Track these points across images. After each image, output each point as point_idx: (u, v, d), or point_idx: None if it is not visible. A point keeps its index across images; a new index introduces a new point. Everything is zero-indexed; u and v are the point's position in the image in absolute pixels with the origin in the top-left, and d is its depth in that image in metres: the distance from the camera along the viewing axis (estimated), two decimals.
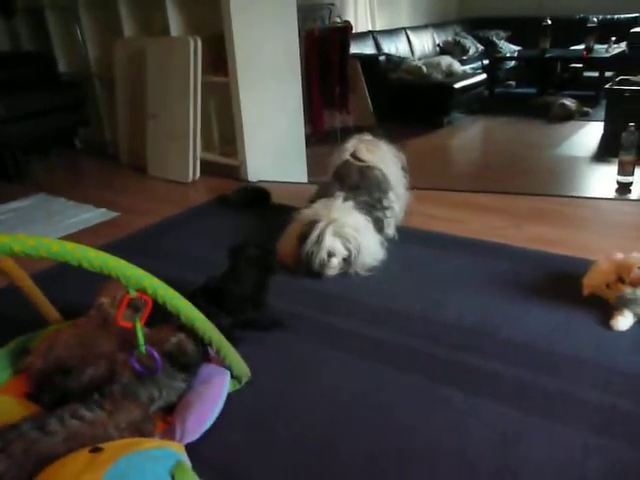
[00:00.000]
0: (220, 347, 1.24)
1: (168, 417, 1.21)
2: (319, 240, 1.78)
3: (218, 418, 1.19)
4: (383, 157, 2.13)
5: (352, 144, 2.14)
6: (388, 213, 2.02)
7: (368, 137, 2.19)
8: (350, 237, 1.81)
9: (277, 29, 2.89)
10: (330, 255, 1.79)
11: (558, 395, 1.22)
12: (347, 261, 1.82)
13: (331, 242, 1.79)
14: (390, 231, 2.03)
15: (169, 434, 1.15)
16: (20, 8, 3.69)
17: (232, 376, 1.29)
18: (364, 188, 1.99)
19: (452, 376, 1.31)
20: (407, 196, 2.17)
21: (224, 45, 2.72)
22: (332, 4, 4.13)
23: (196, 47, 2.77)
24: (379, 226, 1.97)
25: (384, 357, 1.40)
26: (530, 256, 1.87)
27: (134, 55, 3.14)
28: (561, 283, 1.68)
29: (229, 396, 1.25)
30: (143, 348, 1.14)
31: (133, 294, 1.09)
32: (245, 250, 1.55)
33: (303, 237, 1.83)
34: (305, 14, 3.46)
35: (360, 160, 2.08)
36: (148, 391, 1.16)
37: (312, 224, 1.82)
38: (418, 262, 1.89)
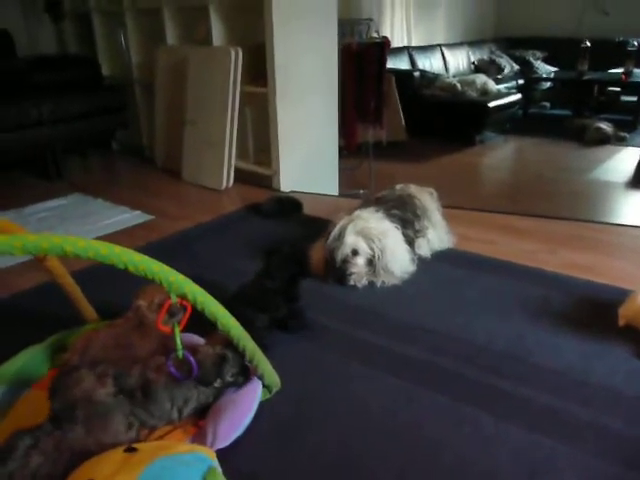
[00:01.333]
0: (253, 356, 1.25)
1: (200, 421, 1.22)
2: (340, 236, 1.81)
3: (248, 426, 1.21)
4: (422, 195, 2.18)
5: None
6: (420, 234, 2.03)
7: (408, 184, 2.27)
8: (374, 237, 1.82)
9: (317, 42, 2.93)
10: (354, 253, 1.80)
11: (590, 426, 1.20)
12: (372, 264, 1.82)
13: (353, 239, 1.80)
14: (421, 252, 2.03)
15: (200, 439, 1.16)
16: (68, 12, 3.82)
17: (263, 385, 1.30)
18: (400, 209, 2.02)
19: (482, 398, 1.30)
20: (446, 233, 2.17)
21: (264, 56, 2.77)
22: (371, 19, 4.17)
23: (237, 57, 2.82)
24: (409, 241, 1.98)
25: (413, 375, 1.39)
26: (563, 282, 1.85)
27: (175, 62, 3.21)
28: (595, 311, 1.66)
29: (259, 405, 1.26)
30: (181, 353, 1.16)
31: (174, 299, 1.11)
32: (279, 249, 1.60)
33: (327, 236, 1.86)
34: (343, 28, 3.50)
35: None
36: (183, 391, 1.18)
37: (336, 224, 1.87)
38: (449, 281, 1.88)
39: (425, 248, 2.05)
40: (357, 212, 1.93)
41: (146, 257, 1.06)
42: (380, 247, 1.82)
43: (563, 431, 1.19)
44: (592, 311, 1.67)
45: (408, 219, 2.01)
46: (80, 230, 2.47)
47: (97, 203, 2.86)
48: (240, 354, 1.23)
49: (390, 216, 1.95)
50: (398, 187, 2.20)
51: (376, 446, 1.17)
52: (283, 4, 2.66)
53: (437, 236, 2.10)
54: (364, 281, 1.86)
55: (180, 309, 1.20)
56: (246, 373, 1.26)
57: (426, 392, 1.33)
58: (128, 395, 1.15)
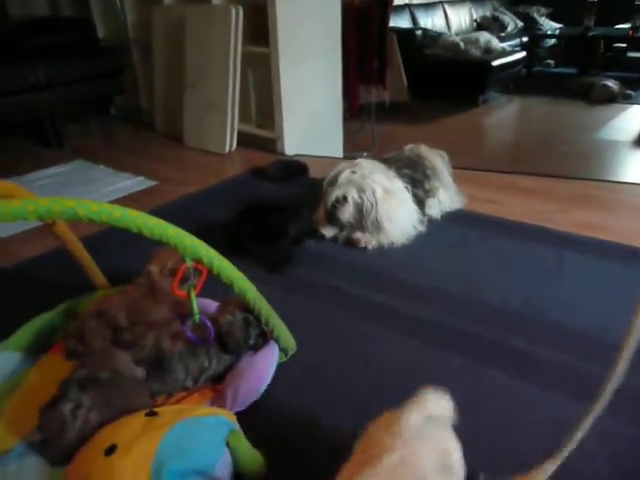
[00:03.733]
0: (269, 319, 1.24)
1: (217, 385, 1.22)
2: (333, 181, 1.84)
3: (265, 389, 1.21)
4: (430, 157, 2.14)
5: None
6: (430, 194, 2.01)
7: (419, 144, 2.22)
8: (367, 188, 1.81)
9: (320, 1, 2.83)
10: (344, 199, 1.82)
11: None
12: (362, 213, 1.83)
13: (345, 186, 1.82)
14: (432, 212, 2.02)
15: (219, 402, 1.16)
16: None
17: (279, 348, 1.30)
18: (410, 168, 1.99)
19: (498, 358, 1.30)
20: (456, 194, 2.15)
21: (265, 15, 2.68)
22: None
23: (237, 16, 2.73)
24: (418, 202, 1.96)
25: (428, 336, 1.39)
26: (576, 241, 1.83)
27: (173, 22, 3.11)
28: (609, 270, 1.65)
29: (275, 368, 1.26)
30: (197, 317, 1.15)
31: (189, 264, 1.09)
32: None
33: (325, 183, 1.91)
34: None
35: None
36: (199, 361, 1.17)
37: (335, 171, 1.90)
38: (460, 243, 1.87)
39: (436, 208, 2.03)
40: (359, 160, 1.93)
41: (161, 221, 1.03)
42: (371, 200, 1.81)
43: (583, 390, 1.19)
44: (606, 270, 1.65)
45: (418, 179, 1.98)
46: (84, 197, 2.42)
47: (99, 169, 2.82)
48: (257, 317, 1.22)
49: (401, 175, 1.93)
50: (407, 148, 2.17)
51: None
52: None
53: (448, 197, 2.07)
54: (364, 239, 1.86)
55: (194, 273, 1.19)
56: (265, 335, 1.25)
57: (442, 353, 1.33)
58: (143, 367, 1.14)
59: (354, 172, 1.85)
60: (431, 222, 1.99)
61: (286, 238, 1.80)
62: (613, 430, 1.08)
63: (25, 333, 1.37)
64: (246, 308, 1.22)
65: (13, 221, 0.93)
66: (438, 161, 2.13)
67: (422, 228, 1.94)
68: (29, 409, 1.08)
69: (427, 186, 2.01)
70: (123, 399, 1.06)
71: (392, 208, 1.84)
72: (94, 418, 1.01)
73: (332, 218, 1.86)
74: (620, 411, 1.10)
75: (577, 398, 1.16)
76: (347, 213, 1.84)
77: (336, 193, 1.83)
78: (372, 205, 1.81)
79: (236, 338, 1.21)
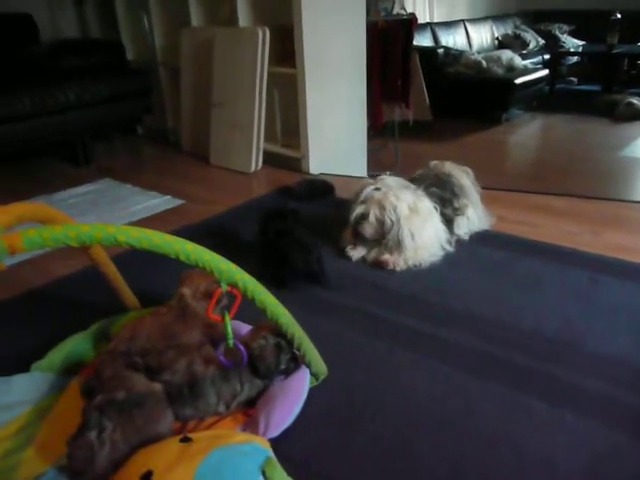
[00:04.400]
0: (301, 343, 1.24)
1: (249, 410, 1.22)
2: (356, 198, 1.88)
3: (297, 414, 1.20)
4: (458, 175, 2.13)
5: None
6: (459, 212, 1.99)
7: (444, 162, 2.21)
8: (387, 204, 1.82)
9: (346, 22, 2.86)
10: (364, 217, 1.85)
11: None
12: (384, 230, 1.84)
13: (367, 203, 1.84)
14: (460, 231, 2.00)
15: (252, 428, 1.15)
16: None
17: (310, 373, 1.29)
18: (438, 186, 1.99)
19: (534, 385, 1.27)
20: (484, 212, 2.13)
21: (291, 36, 2.71)
22: None
23: (264, 38, 2.77)
24: (447, 221, 1.95)
25: (461, 362, 1.37)
26: (610, 264, 1.79)
27: (201, 44, 3.17)
28: None
29: (307, 392, 1.25)
30: (231, 342, 1.15)
31: (224, 288, 1.10)
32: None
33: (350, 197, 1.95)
34: (368, 5, 3.40)
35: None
36: (231, 386, 1.17)
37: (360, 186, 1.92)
38: (491, 265, 1.84)
39: (465, 228, 2.01)
40: (383, 177, 1.95)
41: (198, 246, 1.04)
42: (392, 217, 1.82)
43: (622, 420, 1.16)
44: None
45: (446, 197, 1.97)
46: (111, 216, 2.47)
47: (126, 188, 2.86)
48: (289, 341, 1.22)
49: (429, 194, 1.92)
50: (432, 164, 2.17)
51: (429, 436, 1.15)
52: None
53: (476, 215, 2.05)
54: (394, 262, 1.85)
55: (228, 297, 1.19)
56: (296, 360, 1.25)
57: (476, 380, 1.30)
58: (175, 391, 1.14)
59: (377, 189, 1.87)
60: (459, 243, 1.97)
61: (284, 265, 1.74)
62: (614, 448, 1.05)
63: (57, 355, 1.38)
64: (278, 332, 1.22)
65: (55, 246, 0.94)
66: (464, 178, 2.12)
67: (450, 248, 1.92)
68: (60, 434, 1.08)
69: (456, 204, 1.99)
70: (144, 416, 1.06)
71: (416, 226, 1.83)
72: (120, 439, 1.01)
73: (356, 234, 1.90)
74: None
75: (616, 429, 1.13)
76: (369, 230, 1.86)
77: (358, 210, 1.86)
78: (392, 222, 1.82)
79: (267, 363, 1.21)
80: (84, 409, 1.06)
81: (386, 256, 1.85)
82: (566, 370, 1.31)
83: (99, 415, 1.01)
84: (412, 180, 2.05)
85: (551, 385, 1.27)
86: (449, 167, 2.14)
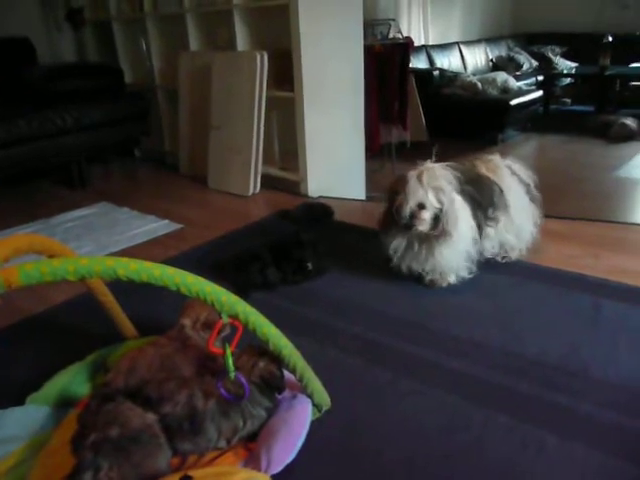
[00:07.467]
0: (303, 374, 1.21)
1: (250, 444, 1.18)
2: (407, 190, 1.66)
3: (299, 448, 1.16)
4: (503, 177, 1.91)
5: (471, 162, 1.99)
6: (490, 223, 1.83)
7: (490, 157, 2.00)
8: (445, 189, 1.66)
9: (343, 46, 2.89)
10: (421, 207, 1.67)
11: None
12: (438, 219, 1.68)
13: (421, 193, 1.65)
14: (487, 245, 1.87)
15: (253, 463, 1.12)
16: (88, 20, 3.81)
17: (313, 404, 1.26)
18: (476, 188, 1.80)
19: (541, 416, 1.24)
20: (532, 232, 1.96)
21: (289, 60, 2.73)
22: (392, 19, 4.12)
23: (263, 62, 2.78)
24: (476, 226, 1.79)
25: (466, 391, 1.34)
26: (613, 289, 1.78)
27: (199, 68, 3.18)
28: None
29: (309, 425, 1.22)
30: (233, 374, 1.12)
31: (226, 320, 1.07)
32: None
33: (391, 190, 1.73)
34: (365, 29, 3.44)
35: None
36: (233, 421, 1.14)
37: (402, 176, 1.71)
38: (493, 290, 1.82)
39: (492, 240, 1.87)
40: (426, 164, 1.73)
41: (199, 278, 1.02)
42: (450, 199, 1.67)
43: (636, 452, 1.13)
44: None
45: (480, 201, 1.79)
46: (109, 240, 2.45)
47: (123, 212, 2.84)
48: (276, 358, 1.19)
49: (464, 193, 1.74)
50: (480, 160, 1.96)
51: (438, 470, 1.12)
52: (309, 7, 2.62)
53: (515, 231, 1.88)
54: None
55: (231, 329, 1.17)
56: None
57: (482, 410, 1.27)
58: (174, 425, 1.11)
59: (424, 175, 1.68)
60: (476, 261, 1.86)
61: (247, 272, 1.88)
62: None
63: (53, 387, 1.35)
64: (260, 352, 1.20)
65: (53, 281, 0.92)
66: (515, 187, 1.91)
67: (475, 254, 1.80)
68: (55, 472, 1.05)
69: (490, 213, 1.82)
70: (141, 451, 1.03)
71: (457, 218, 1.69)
72: (117, 477, 0.98)
73: (407, 230, 1.71)
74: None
75: (630, 461, 1.10)
76: (426, 223, 1.69)
77: (412, 200, 1.66)
78: (450, 205, 1.67)
79: (278, 377, 1.19)
80: (75, 448, 1.02)
81: (434, 276, 1.83)
82: (573, 398, 1.29)
83: (93, 456, 0.98)
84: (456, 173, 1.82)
85: (558, 415, 1.25)
86: (501, 171, 1.91)
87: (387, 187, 1.79)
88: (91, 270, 0.92)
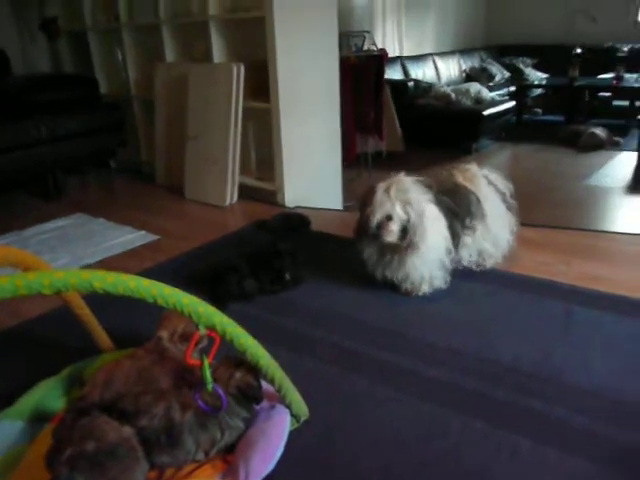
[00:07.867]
0: (281, 385, 1.22)
1: (228, 456, 1.18)
2: (374, 202, 1.69)
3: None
4: (480, 186, 1.94)
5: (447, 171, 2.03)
6: (468, 232, 1.87)
7: (467, 166, 2.02)
8: (413, 201, 1.69)
9: (319, 57, 2.92)
10: (388, 218, 1.69)
11: (633, 449, 1.18)
12: (406, 231, 1.70)
13: (388, 205, 1.68)
14: (464, 254, 1.90)
15: (232, 475, 1.12)
16: (63, 31, 3.78)
17: (291, 414, 1.26)
18: (452, 197, 1.83)
19: (516, 422, 1.27)
20: (509, 240, 1.99)
21: (265, 71, 2.75)
22: (367, 31, 4.17)
23: (239, 73, 2.80)
24: (453, 236, 1.82)
25: (443, 398, 1.36)
26: (584, 295, 1.83)
27: (176, 79, 3.18)
28: (620, 325, 1.64)
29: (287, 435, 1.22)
30: (211, 386, 1.12)
31: (203, 331, 1.08)
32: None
33: (361, 201, 1.77)
34: (340, 41, 3.49)
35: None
36: (210, 433, 1.14)
37: (372, 188, 1.74)
38: (468, 298, 1.86)
39: (468, 251, 1.90)
40: (396, 177, 1.75)
41: (176, 290, 1.02)
42: (418, 211, 1.69)
43: (604, 454, 1.16)
44: (617, 325, 1.65)
45: (457, 211, 1.83)
46: (84, 252, 2.42)
47: (99, 223, 2.81)
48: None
49: (439, 203, 1.78)
50: (456, 170, 1.98)
51: (415, 477, 1.13)
52: (285, 19, 2.64)
53: (492, 239, 1.90)
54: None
55: (208, 340, 1.17)
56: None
57: (459, 416, 1.29)
58: (152, 438, 1.11)
59: (392, 188, 1.71)
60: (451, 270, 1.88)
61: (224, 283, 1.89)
62: None
63: (27, 402, 1.33)
64: (237, 363, 1.20)
65: (28, 295, 0.91)
66: (491, 196, 1.94)
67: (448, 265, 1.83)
68: None
69: (467, 222, 1.85)
70: (118, 466, 1.02)
71: (428, 229, 1.72)
72: None
73: (375, 240, 1.74)
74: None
75: (599, 465, 1.13)
76: (393, 234, 1.71)
77: (379, 212, 1.68)
78: (418, 217, 1.70)
79: (256, 387, 1.19)
80: (50, 463, 1.01)
81: (408, 286, 1.85)
82: (546, 404, 1.32)
83: (69, 471, 0.97)
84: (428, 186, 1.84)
85: (532, 420, 1.27)
86: (478, 180, 1.94)
87: (359, 197, 1.82)
88: (67, 283, 0.91)
